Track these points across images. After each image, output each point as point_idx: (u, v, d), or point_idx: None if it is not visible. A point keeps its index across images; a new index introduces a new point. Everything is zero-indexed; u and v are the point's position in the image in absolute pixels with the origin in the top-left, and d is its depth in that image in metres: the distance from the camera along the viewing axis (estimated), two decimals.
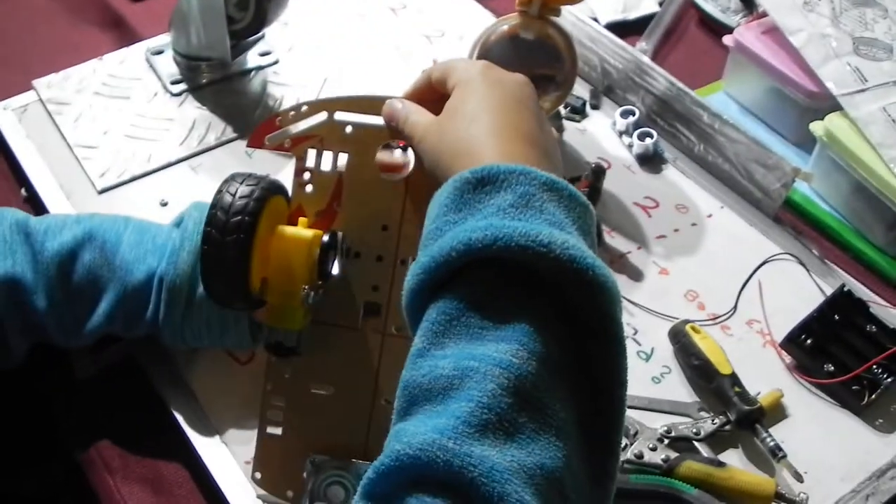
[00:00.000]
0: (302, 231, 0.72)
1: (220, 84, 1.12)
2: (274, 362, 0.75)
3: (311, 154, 0.74)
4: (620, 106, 1.11)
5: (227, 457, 0.79)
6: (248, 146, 0.76)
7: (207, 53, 1.08)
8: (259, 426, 0.76)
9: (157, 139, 1.05)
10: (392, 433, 0.50)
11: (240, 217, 0.67)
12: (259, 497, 0.76)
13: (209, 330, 0.78)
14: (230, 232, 0.67)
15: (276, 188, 0.73)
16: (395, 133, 0.70)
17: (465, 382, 0.48)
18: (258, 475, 0.75)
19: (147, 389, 0.84)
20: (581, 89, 1.12)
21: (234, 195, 0.68)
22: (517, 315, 0.51)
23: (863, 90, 1.02)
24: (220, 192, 0.69)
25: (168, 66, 1.12)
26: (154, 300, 0.77)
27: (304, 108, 0.74)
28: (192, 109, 1.09)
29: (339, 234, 0.73)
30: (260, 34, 1.09)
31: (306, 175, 0.74)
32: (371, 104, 0.72)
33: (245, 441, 0.79)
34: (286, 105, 1.09)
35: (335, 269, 0.74)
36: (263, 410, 0.75)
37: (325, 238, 0.72)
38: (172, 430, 0.81)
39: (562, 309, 0.52)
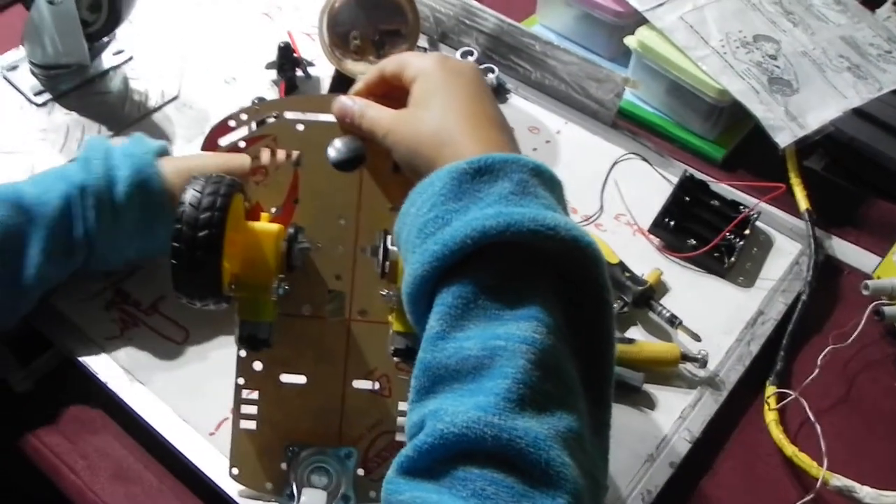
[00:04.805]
0: (269, 225, 0.64)
1: (83, 88, 0.98)
2: (243, 357, 0.66)
3: (266, 153, 0.66)
4: (457, 49, 1.04)
5: (191, 433, 0.70)
6: (202, 150, 0.66)
7: (65, 60, 0.94)
8: (233, 422, 0.67)
9: (35, 150, 0.91)
10: (427, 413, 0.46)
11: (209, 213, 0.58)
12: (240, 493, 0.67)
13: (138, 232, 0.73)
14: (202, 227, 0.57)
15: (238, 186, 0.63)
16: (348, 128, 0.63)
17: (496, 361, 0.46)
18: (235, 471, 0.66)
19: (90, 388, 0.73)
20: (420, 40, 1.04)
21: (201, 192, 0.58)
22: (530, 294, 0.48)
23: (661, 4, 1.00)
24: (185, 191, 0.59)
25: (27, 79, 0.98)
26: (81, 214, 0.70)
27: (256, 109, 0.66)
28: (62, 116, 0.95)
29: (301, 227, 0.66)
30: (113, 34, 0.95)
31: (261, 174, 0.66)
32: (320, 102, 0.65)
33: (199, 411, 0.71)
34: (153, 98, 0.98)
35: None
36: (236, 406, 0.66)
37: (291, 230, 0.65)
38: (129, 419, 0.72)
39: (561, 282, 0.50)
